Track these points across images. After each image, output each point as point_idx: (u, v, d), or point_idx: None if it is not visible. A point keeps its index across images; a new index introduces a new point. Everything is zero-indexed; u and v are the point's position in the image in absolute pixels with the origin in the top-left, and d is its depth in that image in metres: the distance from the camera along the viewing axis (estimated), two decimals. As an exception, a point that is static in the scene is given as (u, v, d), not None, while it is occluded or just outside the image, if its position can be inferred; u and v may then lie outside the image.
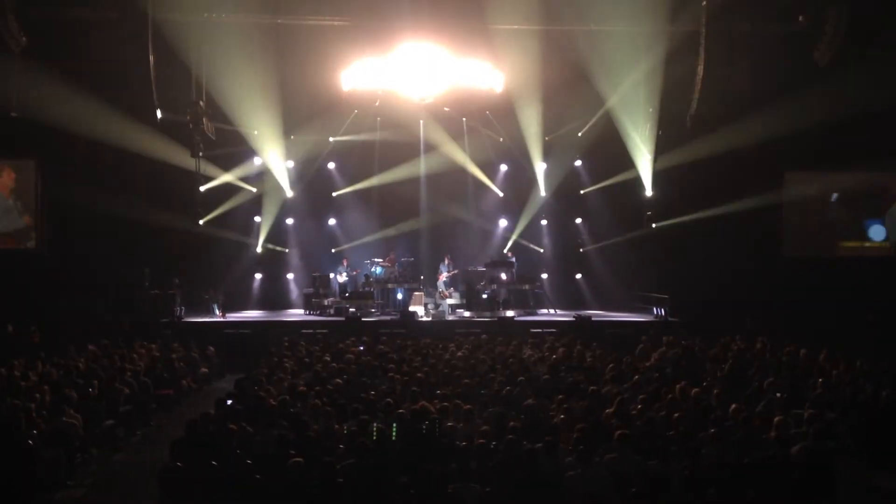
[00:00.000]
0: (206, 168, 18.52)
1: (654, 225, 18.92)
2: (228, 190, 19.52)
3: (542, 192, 21.27)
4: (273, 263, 21.05)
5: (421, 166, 20.39)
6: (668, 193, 18.78)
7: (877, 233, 20.01)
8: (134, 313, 16.74)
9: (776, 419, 7.63)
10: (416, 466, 6.53)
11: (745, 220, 18.32)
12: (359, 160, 20.49)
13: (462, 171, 20.51)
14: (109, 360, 11.98)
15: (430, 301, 19.04)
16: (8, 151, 18.29)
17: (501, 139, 19.92)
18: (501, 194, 20.94)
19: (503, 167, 20.98)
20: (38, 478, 7.85)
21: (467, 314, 18.53)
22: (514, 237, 21.05)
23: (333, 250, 20.87)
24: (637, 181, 19.16)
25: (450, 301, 19.04)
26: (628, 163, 19.13)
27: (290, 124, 19.05)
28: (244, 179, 19.76)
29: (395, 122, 19.65)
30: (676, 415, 7.90)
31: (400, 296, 19.58)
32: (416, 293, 19.09)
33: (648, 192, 19.02)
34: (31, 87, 16.37)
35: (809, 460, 6.85)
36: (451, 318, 18.31)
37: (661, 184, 18.80)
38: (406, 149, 20.25)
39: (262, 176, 19.91)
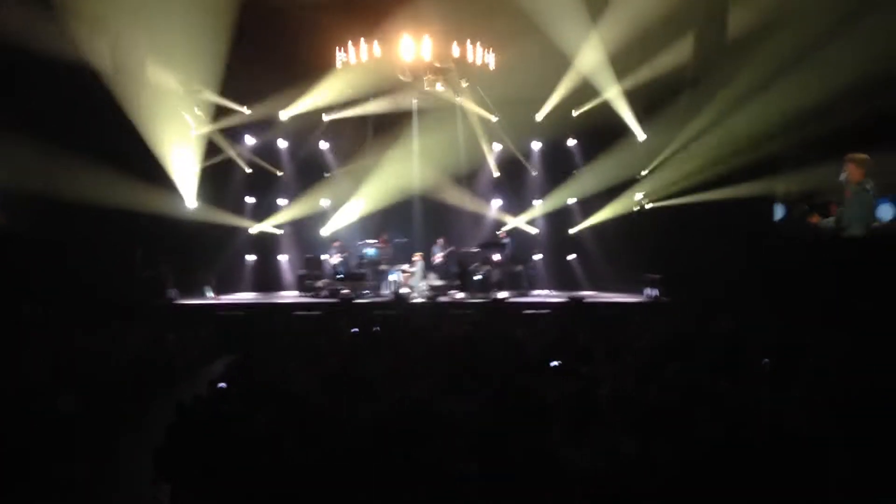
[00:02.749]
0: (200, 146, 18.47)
1: (644, 205, 18.95)
2: (222, 168, 19.47)
3: (535, 172, 21.28)
4: (265, 245, 21.04)
5: (414, 146, 20.33)
6: (662, 174, 18.78)
7: (885, 212, 19.94)
8: (126, 295, 16.69)
9: (768, 398, 7.66)
10: (412, 446, 6.54)
11: (740, 201, 18.32)
12: (351, 140, 20.45)
13: (456, 152, 20.47)
14: (101, 343, 11.96)
15: (423, 282, 19.08)
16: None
17: (495, 118, 19.86)
18: (496, 174, 20.91)
19: (497, 147, 20.93)
20: (31, 461, 7.85)
21: (460, 295, 18.56)
22: (520, 217, 21.12)
23: (325, 231, 20.84)
24: (631, 161, 19.17)
25: (423, 283, 19.01)
26: (622, 143, 19.14)
27: (282, 102, 18.99)
28: (237, 157, 19.70)
29: (388, 99, 19.61)
30: (669, 394, 7.92)
31: (393, 277, 19.62)
32: (404, 273, 19.13)
33: (643, 172, 19.04)
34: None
35: (802, 440, 6.88)
36: (443, 299, 18.35)
37: (654, 164, 18.80)
38: (399, 128, 20.21)
39: (255, 154, 19.87)
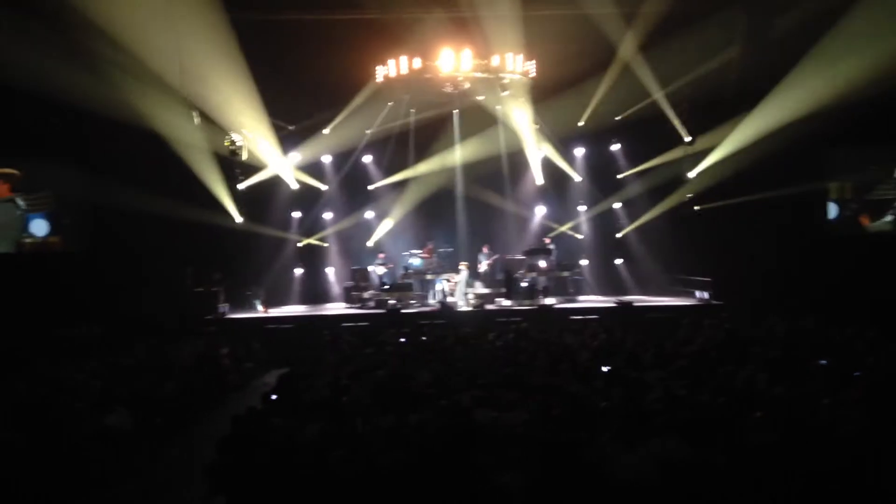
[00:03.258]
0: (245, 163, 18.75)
1: (696, 208, 18.66)
2: (267, 187, 19.74)
3: (579, 178, 21.16)
4: (312, 258, 21.25)
5: (457, 156, 20.37)
6: (709, 177, 18.52)
7: None
8: (179, 311, 17.04)
9: (824, 402, 7.48)
10: (458, 458, 6.53)
11: (787, 201, 17.98)
12: (394, 153, 20.55)
13: (498, 159, 20.45)
14: (156, 358, 12.20)
15: (470, 290, 19.05)
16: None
17: (537, 126, 19.80)
18: (540, 181, 20.85)
19: (539, 154, 20.87)
20: (87, 476, 8.02)
21: (507, 303, 18.51)
22: (566, 223, 21.11)
23: (370, 243, 20.96)
24: (678, 164, 18.96)
25: (469, 291, 18.97)
26: (668, 145, 18.94)
27: (326, 118, 19.22)
28: (283, 174, 19.94)
29: (430, 113, 19.71)
30: (721, 399, 7.79)
31: (439, 286, 19.65)
32: (450, 282, 19.13)
33: (690, 175, 18.81)
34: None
35: (858, 445, 6.70)
36: (490, 307, 18.30)
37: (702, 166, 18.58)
38: (441, 140, 20.26)
39: (301, 170, 20.12)
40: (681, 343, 12.28)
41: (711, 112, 18.07)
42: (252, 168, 19.04)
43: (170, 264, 17.91)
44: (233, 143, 17.75)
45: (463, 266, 18.87)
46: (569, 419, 7.42)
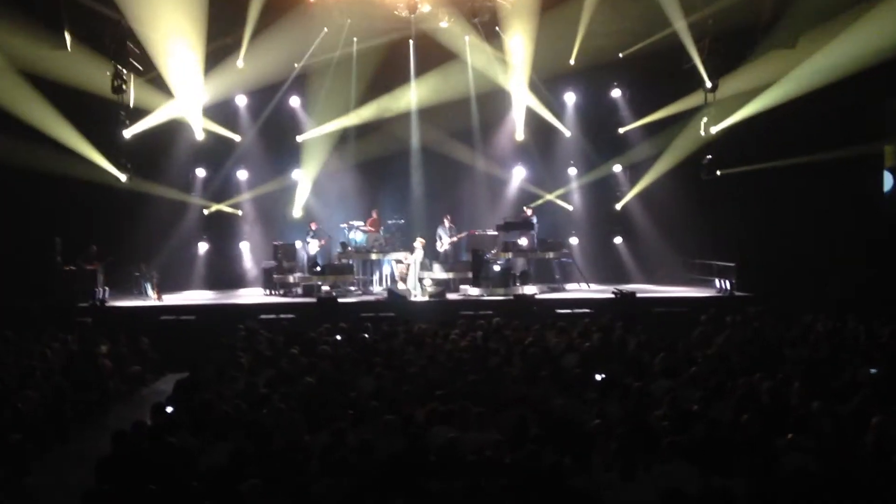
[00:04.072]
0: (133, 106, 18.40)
1: (717, 172, 18.84)
2: (162, 135, 19.43)
3: (568, 132, 21.20)
4: (222, 230, 21.05)
5: (411, 99, 20.27)
6: (734, 133, 18.67)
7: None
8: (44, 296, 16.74)
9: (874, 420, 7.65)
10: (411, 486, 6.56)
11: (831, 168, 18.19)
12: (330, 93, 20.35)
13: (466, 105, 20.42)
14: (14, 358, 12.00)
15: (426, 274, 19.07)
16: None
17: (516, 63, 19.76)
18: (520, 136, 20.86)
19: (519, 100, 20.84)
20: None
21: (474, 291, 18.57)
22: (548, 195, 21.16)
23: (297, 212, 20.81)
24: (695, 116, 19.06)
25: (426, 276, 18.99)
26: (683, 91, 19.02)
27: (238, 47, 18.89)
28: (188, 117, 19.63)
29: (377, 43, 19.55)
30: (745, 416, 7.92)
31: (387, 269, 19.60)
32: (400, 264, 19.12)
33: (707, 131, 18.90)
34: None
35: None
36: (452, 297, 18.34)
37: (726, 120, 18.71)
38: (391, 78, 20.12)
39: (206, 115, 19.79)
40: (696, 345, 12.43)
41: (740, 50, 18.16)
42: (142, 111, 18.73)
43: (31, 234, 17.59)
44: (118, 75, 17.39)
45: (418, 243, 18.85)
46: (551, 440, 7.48)
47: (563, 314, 15.91)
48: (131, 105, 17.95)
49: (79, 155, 17.93)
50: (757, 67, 18.16)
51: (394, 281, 19.16)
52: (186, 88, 18.79)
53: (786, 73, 17.69)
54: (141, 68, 17.96)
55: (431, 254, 19.70)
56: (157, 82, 18.48)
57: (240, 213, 21.16)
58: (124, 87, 17.60)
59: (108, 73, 17.36)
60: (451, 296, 18.39)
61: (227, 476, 6.85)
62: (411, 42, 19.76)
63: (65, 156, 17.63)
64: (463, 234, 20.07)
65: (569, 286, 20.13)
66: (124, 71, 17.34)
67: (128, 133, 18.35)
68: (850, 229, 18.55)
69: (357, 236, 19.56)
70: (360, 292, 19.07)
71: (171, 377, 12.33)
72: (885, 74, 16.99)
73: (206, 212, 20.73)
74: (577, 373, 10.45)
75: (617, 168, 21.46)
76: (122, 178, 18.28)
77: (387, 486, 6.67)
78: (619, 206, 21.44)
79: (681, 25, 17.93)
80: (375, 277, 19.84)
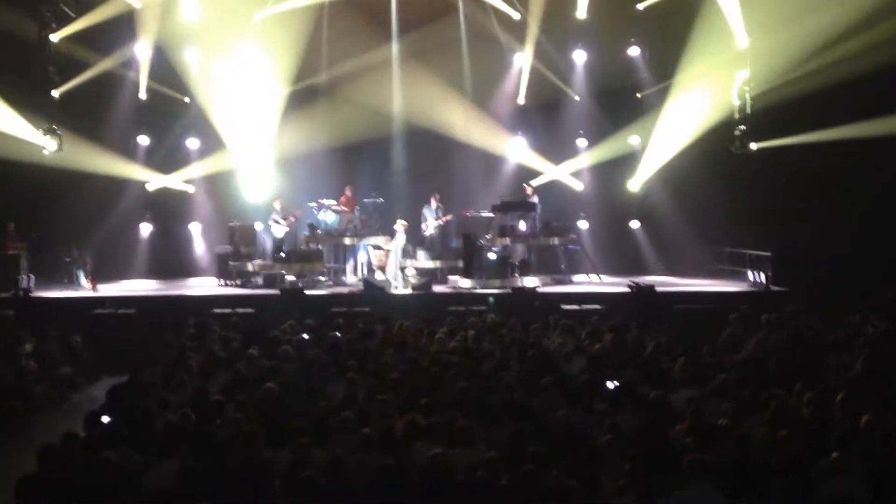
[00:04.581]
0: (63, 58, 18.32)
1: (752, 146, 18.86)
2: (97, 92, 19.37)
3: (577, 97, 21.21)
4: (169, 209, 21.01)
5: (393, 55, 20.25)
6: (773, 100, 18.68)
7: None
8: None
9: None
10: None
11: (886, 143, 18.18)
12: (297, 47, 20.29)
13: (457, 63, 20.40)
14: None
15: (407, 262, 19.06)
16: None
17: (518, 15, 19.77)
18: (521, 100, 20.85)
19: (521, 58, 20.83)
20: None
21: (465, 283, 18.58)
22: (557, 166, 21.17)
23: (258, 190, 20.78)
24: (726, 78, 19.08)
25: (408, 265, 19.01)
26: (713, 49, 19.01)
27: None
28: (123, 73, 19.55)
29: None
30: (782, 432, 7.96)
31: (362, 256, 19.58)
32: (379, 250, 19.12)
33: (742, 96, 18.91)
34: None
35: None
36: (440, 289, 18.36)
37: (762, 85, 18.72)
38: (370, 28, 20.08)
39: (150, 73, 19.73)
40: (725, 348, 12.46)
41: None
42: (76, 64, 18.66)
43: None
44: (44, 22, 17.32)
45: (399, 226, 18.82)
46: (554, 459, 7.51)
47: (570, 311, 15.92)
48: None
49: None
50: (801, 23, 18.13)
51: (371, 270, 19.17)
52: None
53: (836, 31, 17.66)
54: (73, 14, 17.90)
55: (415, 239, 19.70)
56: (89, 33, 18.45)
57: (190, 189, 21.10)
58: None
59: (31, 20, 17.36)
60: (437, 288, 18.44)
61: (173, 499, 6.87)
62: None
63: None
64: (450, 217, 20.05)
65: (576, 278, 20.17)
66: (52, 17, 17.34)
67: (57, 92, 18.30)
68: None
69: (328, 217, 19.52)
70: (330, 283, 19.09)
71: (108, 381, 12.30)
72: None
73: (149, 187, 20.65)
74: (584, 380, 10.47)
75: (634, 139, 21.44)
76: (52, 146, 18.22)
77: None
78: (635, 185, 21.45)
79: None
80: (349, 266, 19.83)
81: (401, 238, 18.69)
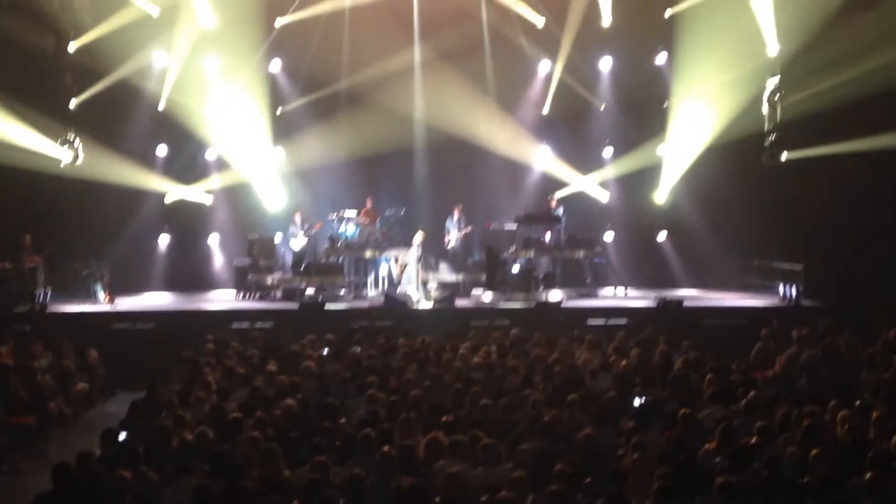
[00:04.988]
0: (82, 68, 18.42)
1: (783, 156, 18.79)
2: (117, 103, 19.46)
3: (603, 106, 21.19)
4: (187, 221, 21.08)
5: (415, 62, 20.28)
6: (806, 108, 18.59)
7: None
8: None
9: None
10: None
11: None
12: (319, 56, 20.35)
13: (481, 72, 20.41)
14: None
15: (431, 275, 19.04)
16: None
17: (542, 22, 19.79)
18: (545, 109, 20.84)
19: (545, 65, 20.83)
20: None
21: (488, 297, 18.56)
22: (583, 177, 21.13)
23: (278, 201, 20.84)
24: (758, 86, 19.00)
25: (430, 278, 18.99)
26: (744, 57, 18.95)
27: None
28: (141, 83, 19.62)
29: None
30: (814, 451, 7.90)
31: (383, 268, 19.57)
32: (400, 262, 19.10)
33: (773, 105, 18.84)
34: None
35: None
36: (462, 303, 18.33)
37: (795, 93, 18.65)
38: (392, 37, 20.12)
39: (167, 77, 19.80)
40: (754, 365, 12.39)
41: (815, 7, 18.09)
42: (95, 73, 18.77)
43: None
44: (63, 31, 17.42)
45: (417, 237, 18.81)
46: (580, 478, 7.48)
47: (595, 326, 15.91)
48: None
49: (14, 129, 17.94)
50: (836, 30, 18.05)
51: (392, 284, 19.14)
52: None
53: (869, 39, 17.59)
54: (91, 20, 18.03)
55: (438, 252, 19.69)
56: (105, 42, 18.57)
57: (209, 201, 21.17)
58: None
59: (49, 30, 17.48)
60: (460, 302, 18.37)
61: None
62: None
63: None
64: (469, 228, 20.04)
65: (602, 292, 20.12)
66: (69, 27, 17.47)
67: (75, 102, 18.41)
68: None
69: (348, 229, 19.55)
70: (351, 297, 19.06)
71: (125, 398, 12.33)
72: None
73: (168, 199, 20.74)
74: (611, 397, 10.43)
75: (661, 151, 21.38)
76: (68, 157, 18.34)
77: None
78: (662, 197, 21.39)
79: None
80: (370, 279, 19.80)
81: (416, 250, 18.65)
